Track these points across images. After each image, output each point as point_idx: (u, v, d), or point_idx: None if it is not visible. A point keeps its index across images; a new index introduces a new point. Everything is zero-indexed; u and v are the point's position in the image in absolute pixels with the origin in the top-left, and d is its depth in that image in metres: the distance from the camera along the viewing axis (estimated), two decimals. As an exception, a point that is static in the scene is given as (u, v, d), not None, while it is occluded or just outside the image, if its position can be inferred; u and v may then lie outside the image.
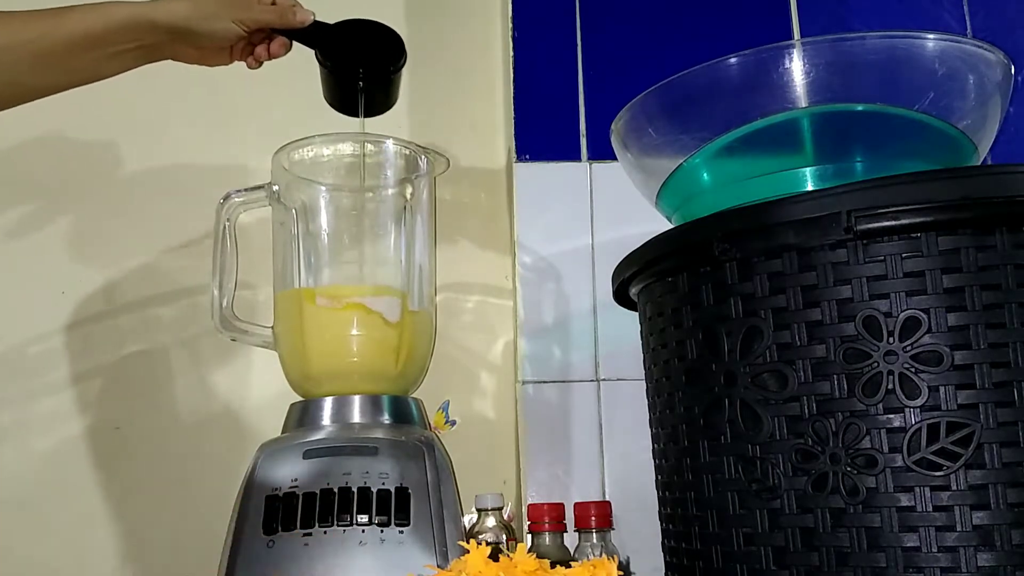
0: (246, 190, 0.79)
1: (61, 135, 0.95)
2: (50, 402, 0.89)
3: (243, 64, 0.75)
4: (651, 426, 0.63)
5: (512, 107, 0.88)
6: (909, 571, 0.45)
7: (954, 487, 0.45)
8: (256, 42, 0.72)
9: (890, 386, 0.46)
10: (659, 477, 0.62)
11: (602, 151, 0.87)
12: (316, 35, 0.73)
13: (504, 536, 0.74)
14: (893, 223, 0.47)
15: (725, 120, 0.60)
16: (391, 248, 0.82)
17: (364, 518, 0.66)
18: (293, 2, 0.72)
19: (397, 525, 0.66)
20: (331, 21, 0.74)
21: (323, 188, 0.82)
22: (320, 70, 0.75)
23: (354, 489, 0.67)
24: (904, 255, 0.47)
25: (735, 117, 0.59)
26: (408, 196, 0.82)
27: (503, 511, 0.79)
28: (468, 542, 0.50)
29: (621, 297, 0.66)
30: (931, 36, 0.57)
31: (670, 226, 0.64)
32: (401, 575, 0.63)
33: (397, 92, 0.78)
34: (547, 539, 0.72)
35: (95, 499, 0.87)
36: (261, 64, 0.74)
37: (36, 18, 0.64)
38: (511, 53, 0.89)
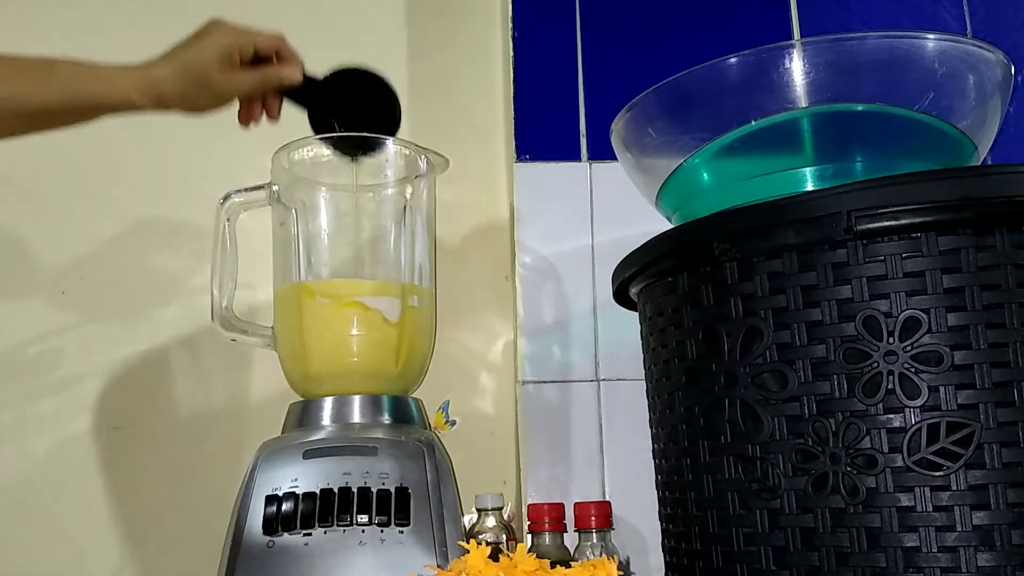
0: (246, 190, 0.79)
1: (61, 136, 0.94)
2: (50, 402, 0.89)
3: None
4: (651, 426, 0.63)
5: (512, 107, 0.88)
6: (909, 571, 0.45)
7: (954, 487, 0.45)
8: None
9: (890, 386, 0.46)
10: (659, 477, 0.62)
11: (602, 151, 0.87)
12: (306, 94, 0.73)
13: (504, 536, 0.74)
14: (893, 223, 0.47)
15: (725, 120, 0.60)
16: (391, 248, 0.82)
17: (364, 518, 0.66)
18: (285, 53, 0.71)
19: (397, 525, 0.66)
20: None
21: (323, 188, 0.82)
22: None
23: (354, 489, 0.67)
24: (904, 255, 0.47)
25: (735, 117, 0.59)
26: (408, 196, 0.82)
27: (503, 511, 0.79)
28: (468, 542, 0.50)
29: (621, 297, 0.66)
30: (931, 36, 0.57)
31: (670, 226, 0.64)
32: (401, 575, 0.63)
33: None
34: (547, 539, 0.72)
35: (95, 499, 0.87)
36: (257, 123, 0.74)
37: (17, 73, 0.62)
38: (511, 53, 0.89)
